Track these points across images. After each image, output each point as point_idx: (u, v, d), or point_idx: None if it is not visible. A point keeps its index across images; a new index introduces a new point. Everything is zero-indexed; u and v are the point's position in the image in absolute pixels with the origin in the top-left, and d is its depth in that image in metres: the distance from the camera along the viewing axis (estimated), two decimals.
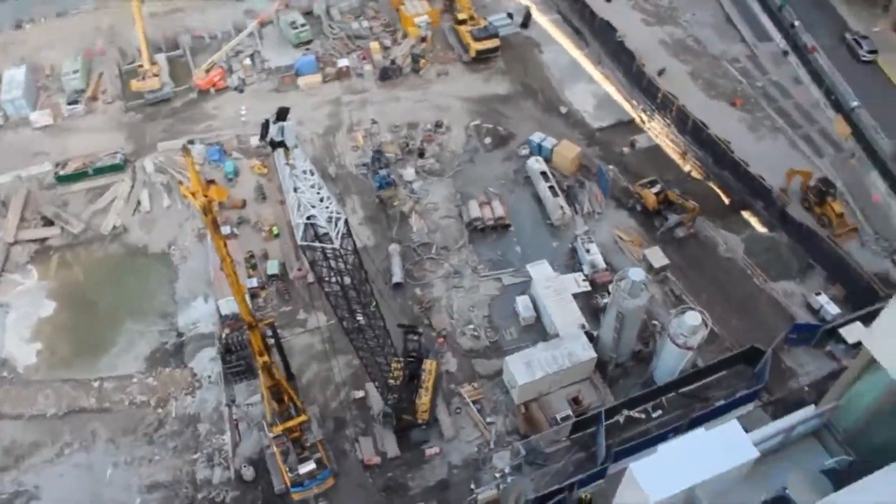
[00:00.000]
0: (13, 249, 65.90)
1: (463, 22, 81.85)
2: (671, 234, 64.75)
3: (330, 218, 35.94)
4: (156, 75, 77.63)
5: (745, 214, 67.49)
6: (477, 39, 79.82)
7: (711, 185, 69.71)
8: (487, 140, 73.14)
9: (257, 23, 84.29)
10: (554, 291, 58.49)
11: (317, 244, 36.54)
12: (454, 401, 55.68)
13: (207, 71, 78.97)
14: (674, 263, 62.60)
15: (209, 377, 57.68)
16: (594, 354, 53.76)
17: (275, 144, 35.46)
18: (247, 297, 47.80)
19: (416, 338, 52.93)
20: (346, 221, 36.79)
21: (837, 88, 74.22)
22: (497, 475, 51.47)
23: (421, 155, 71.76)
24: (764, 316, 59.82)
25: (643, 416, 52.95)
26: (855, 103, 72.05)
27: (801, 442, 22.91)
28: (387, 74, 79.19)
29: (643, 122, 75.47)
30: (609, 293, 55.87)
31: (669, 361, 52.90)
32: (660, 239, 64.59)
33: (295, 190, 35.67)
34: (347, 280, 38.83)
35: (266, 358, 45.07)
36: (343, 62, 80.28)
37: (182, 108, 77.72)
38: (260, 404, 53.91)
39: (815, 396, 48.89)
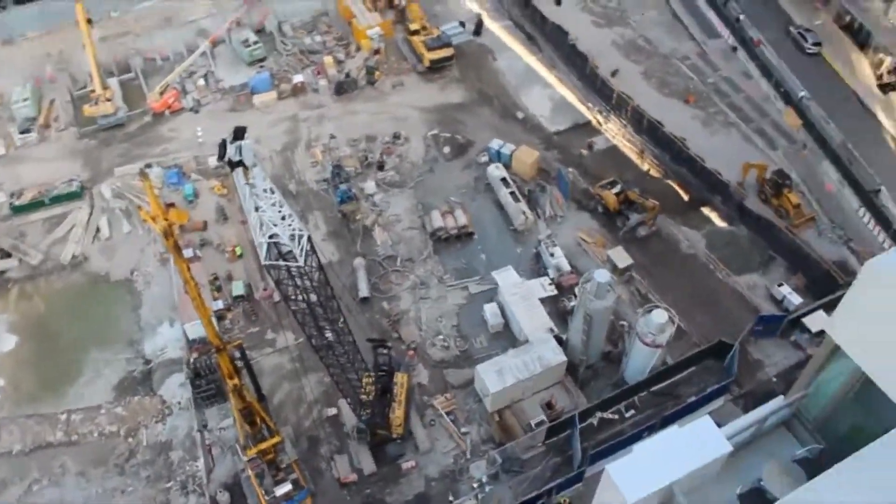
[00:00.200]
0: None
1: (415, 32, 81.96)
2: (633, 234, 65.35)
3: (293, 235, 35.64)
4: (109, 100, 76.52)
5: (705, 210, 68.36)
6: (430, 49, 79.96)
7: (670, 182, 70.53)
8: (446, 149, 73.29)
9: (209, 42, 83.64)
10: (521, 297, 58.63)
11: (281, 263, 36.23)
12: (428, 413, 55.59)
13: (162, 93, 78.15)
14: (638, 263, 63.16)
15: (179, 403, 56.91)
16: (564, 358, 54.00)
17: (233, 164, 35.23)
18: (213, 320, 47.35)
19: (385, 351, 52.58)
20: (310, 238, 36.50)
21: (786, 81, 75.60)
22: (475, 485, 51.40)
23: (381, 167, 71.69)
24: (729, 309, 60.57)
25: (616, 416, 53.22)
26: (803, 93, 73.41)
27: (772, 433, 23.18)
28: (342, 88, 79.03)
29: (600, 123, 76.14)
30: (575, 296, 56.21)
31: (639, 360, 53.31)
32: (622, 239, 65.15)
33: (256, 209, 35.41)
34: (314, 297, 38.56)
35: (236, 380, 44.63)
36: (298, 78, 79.93)
37: (137, 132, 76.77)
38: (232, 428, 53.37)
39: (784, 387, 49.65)
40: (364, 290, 61.71)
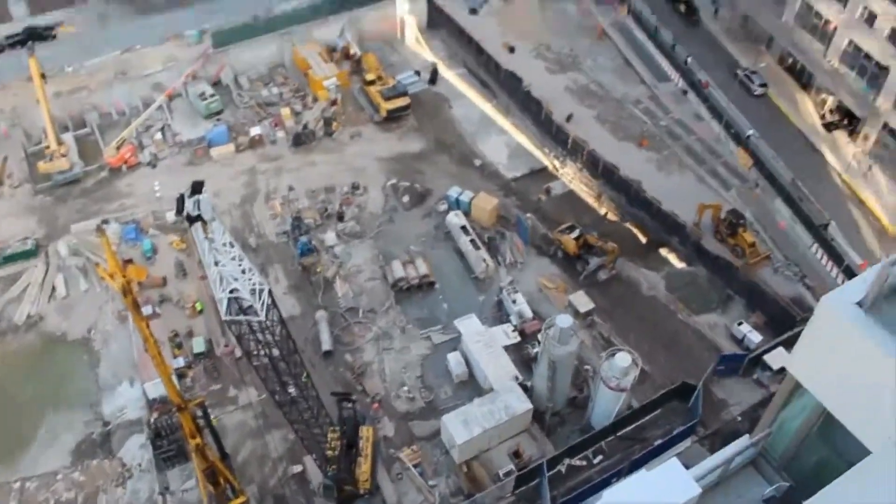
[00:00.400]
0: None
1: (372, 82, 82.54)
2: (594, 278, 65.82)
3: (253, 290, 35.28)
4: (64, 155, 75.60)
5: (663, 251, 69.27)
6: (387, 99, 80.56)
7: (628, 225, 71.44)
8: (405, 198, 73.46)
9: (166, 96, 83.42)
10: (484, 345, 58.37)
11: (242, 318, 35.76)
12: (395, 466, 54.79)
13: (118, 148, 77.41)
14: (599, 306, 63.51)
15: (140, 465, 55.35)
16: (530, 405, 53.80)
17: (192, 219, 35.00)
18: (174, 378, 46.54)
19: (350, 405, 52.00)
20: (270, 292, 36.20)
21: (735, 122, 77.50)
22: None
23: (340, 218, 71.57)
24: (690, 350, 61.07)
25: (585, 463, 53.07)
26: (751, 131, 75.23)
27: (739, 473, 23.24)
28: (300, 140, 79.11)
29: (556, 168, 77.10)
30: (539, 342, 56.19)
31: (604, 405, 53.32)
32: (583, 283, 65.55)
33: (216, 263, 35.05)
34: (276, 352, 38.11)
35: (198, 440, 43.81)
36: (255, 130, 79.80)
37: (94, 188, 75.76)
38: (195, 489, 52.05)
39: (749, 425, 49.89)
40: (327, 344, 61.09)
